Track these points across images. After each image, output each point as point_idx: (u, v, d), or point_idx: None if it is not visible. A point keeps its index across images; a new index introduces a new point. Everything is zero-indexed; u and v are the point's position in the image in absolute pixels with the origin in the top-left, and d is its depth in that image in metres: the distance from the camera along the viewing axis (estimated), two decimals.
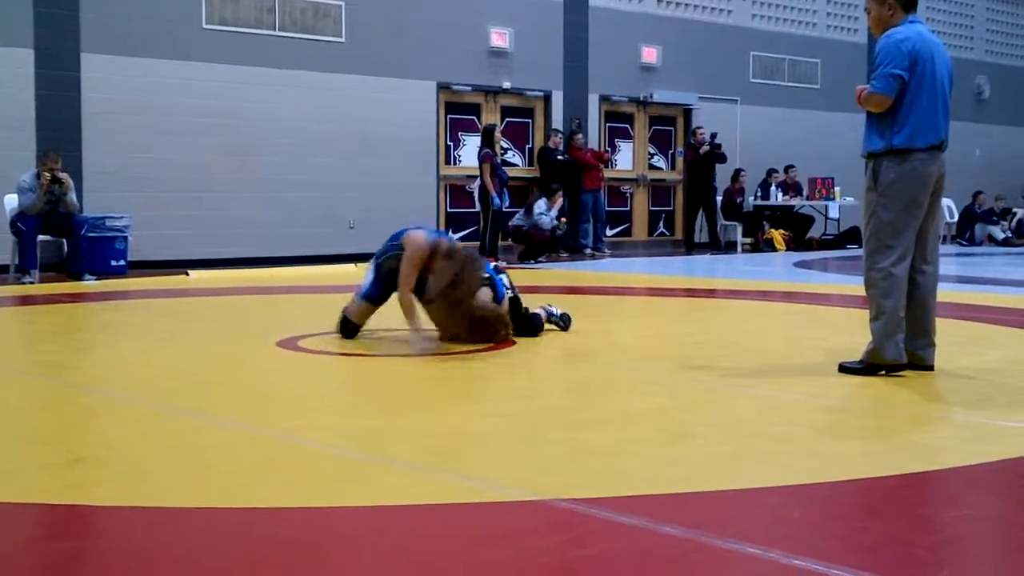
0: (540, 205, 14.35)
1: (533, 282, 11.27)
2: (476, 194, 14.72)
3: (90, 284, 10.41)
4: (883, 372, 4.87)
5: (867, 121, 5.04)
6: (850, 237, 18.00)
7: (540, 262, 13.95)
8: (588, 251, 15.87)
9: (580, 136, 16.02)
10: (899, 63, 4.82)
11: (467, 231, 15.62)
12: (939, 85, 4.97)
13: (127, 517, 2.76)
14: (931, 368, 4.99)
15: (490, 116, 15.78)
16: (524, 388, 4.80)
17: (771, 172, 18.15)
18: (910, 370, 4.93)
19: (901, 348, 4.86)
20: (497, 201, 13.88)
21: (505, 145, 15.73)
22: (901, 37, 4.88)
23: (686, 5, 17.86)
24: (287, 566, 2.40)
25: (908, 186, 4.86)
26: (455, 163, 15.63)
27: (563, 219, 14.92)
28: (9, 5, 11.83)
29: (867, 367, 4.89)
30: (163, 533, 2.63)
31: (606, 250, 16.09)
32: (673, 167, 18.24)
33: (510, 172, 15.14)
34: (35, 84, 11.98)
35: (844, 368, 4.98)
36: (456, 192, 15.59)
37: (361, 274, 11.04)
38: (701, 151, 16.62)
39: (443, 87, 15.21)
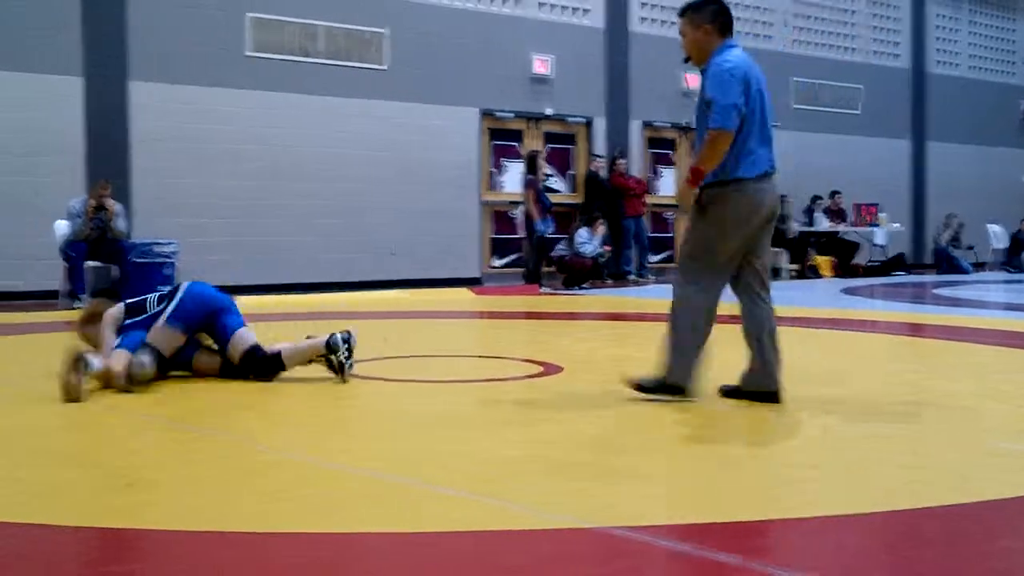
0: (582, 234, 14.35)
1: (576, 308, 11.26)
2: (520, 220, 14.75)
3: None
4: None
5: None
6: (897, 263, 17.92)
7: (584, 289, 13.93)
8: (631, 277, 15.83)
9: (623, 162, 16.02)
10: (736, 92, 4.57)
11: (511, 257, 15.65)
12: (767, 111, 4.74)
13: (178, 541, 2.77)
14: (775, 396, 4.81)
15: (532, 142, 15.82)
16: (563, 414, 4.78)
17: (816, 199, 18.05)
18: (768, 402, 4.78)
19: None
20: (541, 227, 13.90)
21: (548, 171, 15.76)
22: (731, 65, 4.65)
23: None
24: None
25: (739, 215, 4.66)
26: (498, 189, 15.67)
27: (607, 247, 14.88)
28: (59, 34, 12.02)
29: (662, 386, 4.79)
30: (209, 557, 2.63)
31: (650, 276, 16.05)
32: None
33: (552, 198, 15.15)
34: (84, 111, 12.16)
35: (639, 386, 4.86)
36: (499, 218, 15.62)
37: (410, 300, 11.04)
38: None
39: (486, 113, 15.27)
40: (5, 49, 11.76)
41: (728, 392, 4.92)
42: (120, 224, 11.14)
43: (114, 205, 11.13)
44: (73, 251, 10.89)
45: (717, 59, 4.72)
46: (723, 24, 4.81)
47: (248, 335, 5.54)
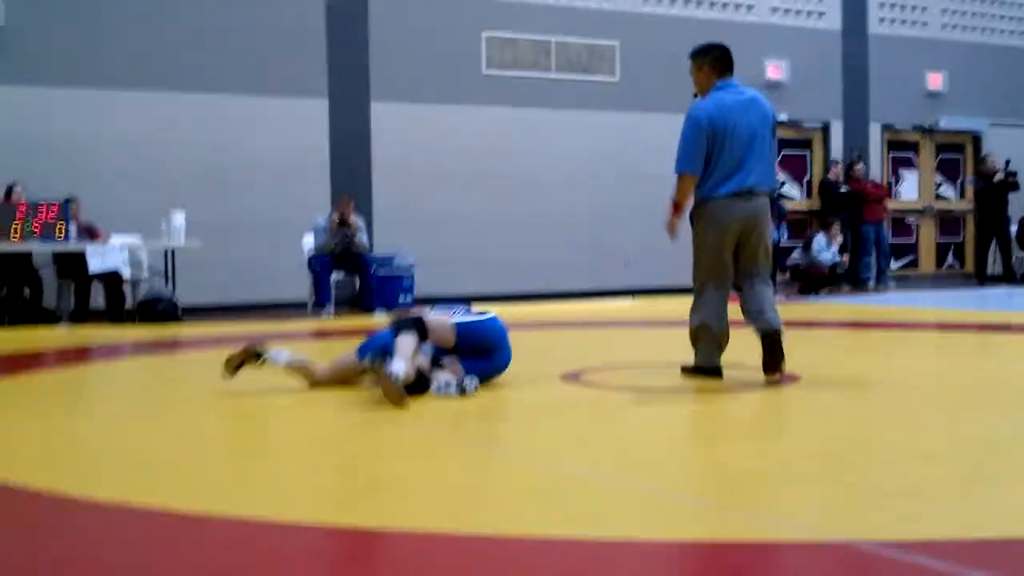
0: (819, 241, 14.01)
1: (813, 317, 10.99)
2: None
3: (381, 319, 10.90)
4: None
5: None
6: None
7: (820, 295, 13.58)
8: (871, 285, 15.32)
9: (861, 166, 15.52)
10: (698, 142, 5.60)
11: None
12: (739, 144, 5.59)
13: (421, 543, 2.87)
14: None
15: None
16: (808, 424, 4.68)
17: None
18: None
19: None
20: (775, 234, 13.63)
21: (782, 178, 15.44)
22: (695, 113, 5.65)
23: (973, 28, 17.05)
24: None
25: (715, 223, 5.67)
26: None
27: (845, 255, 14.47)
28: (307, 59, 12.66)
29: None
30: (452, 559, 2.71)
31: (891, 283, 15.48)
32: (962, 196, 17.38)
33: (787, 205, 14.82)
34: (329, 132, 12.76)
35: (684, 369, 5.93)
36: None
37: (636, 309, 11.01)
38: (995, 179, 15.73)
39: None
40: (259, 76, 12.46)
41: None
42: (363, 238, 11.61)
43: (357, 220, 11.60)
44: (318, 264, 11.43)
45: (694, 103, 5.74)
46: (719, 65, 5.76)
47: None
